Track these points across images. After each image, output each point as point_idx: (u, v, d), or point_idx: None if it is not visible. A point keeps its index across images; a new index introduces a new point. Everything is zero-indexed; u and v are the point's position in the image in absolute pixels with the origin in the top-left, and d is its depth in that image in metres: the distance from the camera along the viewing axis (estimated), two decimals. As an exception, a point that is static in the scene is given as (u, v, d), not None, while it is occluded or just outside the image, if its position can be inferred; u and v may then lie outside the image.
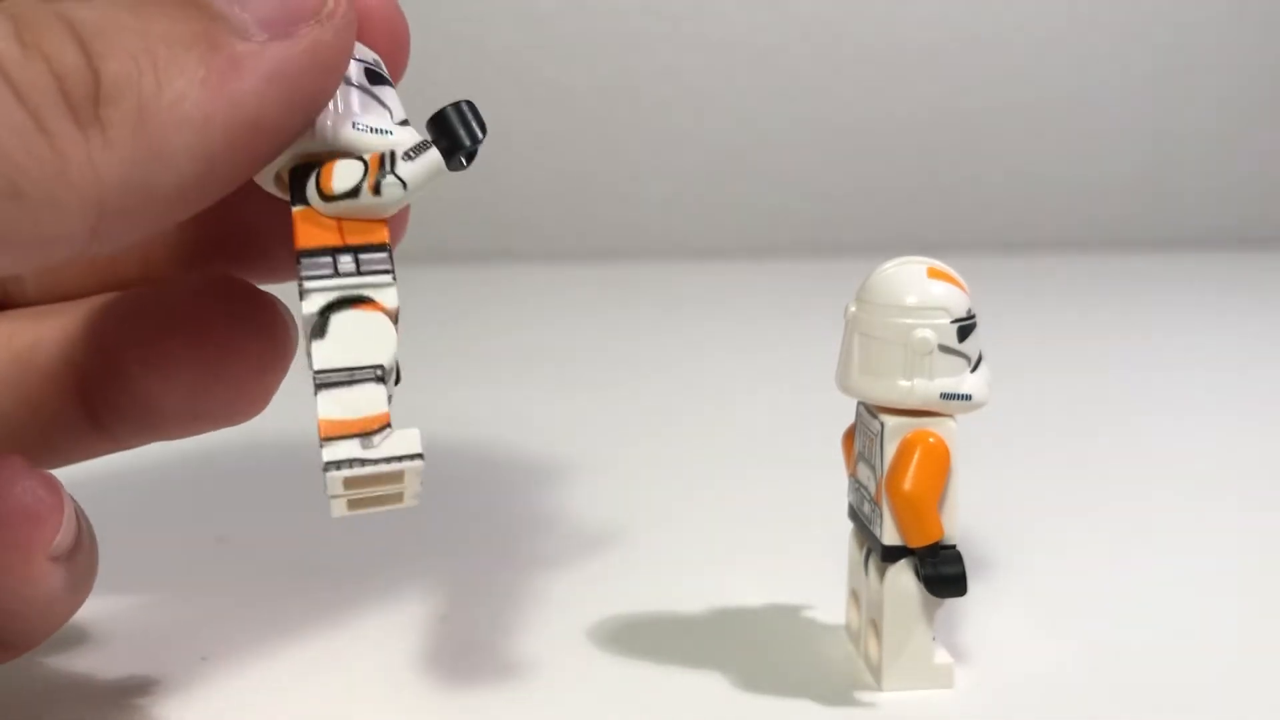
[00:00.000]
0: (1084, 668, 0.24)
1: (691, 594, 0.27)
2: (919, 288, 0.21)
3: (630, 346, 0.59)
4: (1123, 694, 0.23)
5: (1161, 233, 0.90)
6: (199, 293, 0.22)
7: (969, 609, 0.26)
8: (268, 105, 0.17)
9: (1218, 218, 0.91)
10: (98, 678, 0.24)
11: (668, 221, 0.88)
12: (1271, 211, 0.92)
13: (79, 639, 0.25)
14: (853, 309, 0.22)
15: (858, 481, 0.23)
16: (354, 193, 0.18)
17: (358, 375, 0.17)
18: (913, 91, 0.89)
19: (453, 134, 0.19)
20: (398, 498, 0.18)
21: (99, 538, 0.21)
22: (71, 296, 0.23)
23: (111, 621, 0.26)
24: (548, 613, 0.26)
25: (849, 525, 0.24)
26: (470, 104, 0.19)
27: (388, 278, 0.18)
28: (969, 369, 0.22)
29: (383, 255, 0.18)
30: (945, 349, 0.21)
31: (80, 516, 0.20)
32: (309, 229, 0.18)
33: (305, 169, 0.18)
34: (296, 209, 0.18)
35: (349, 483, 0.17)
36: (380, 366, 0.18)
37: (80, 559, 0.20)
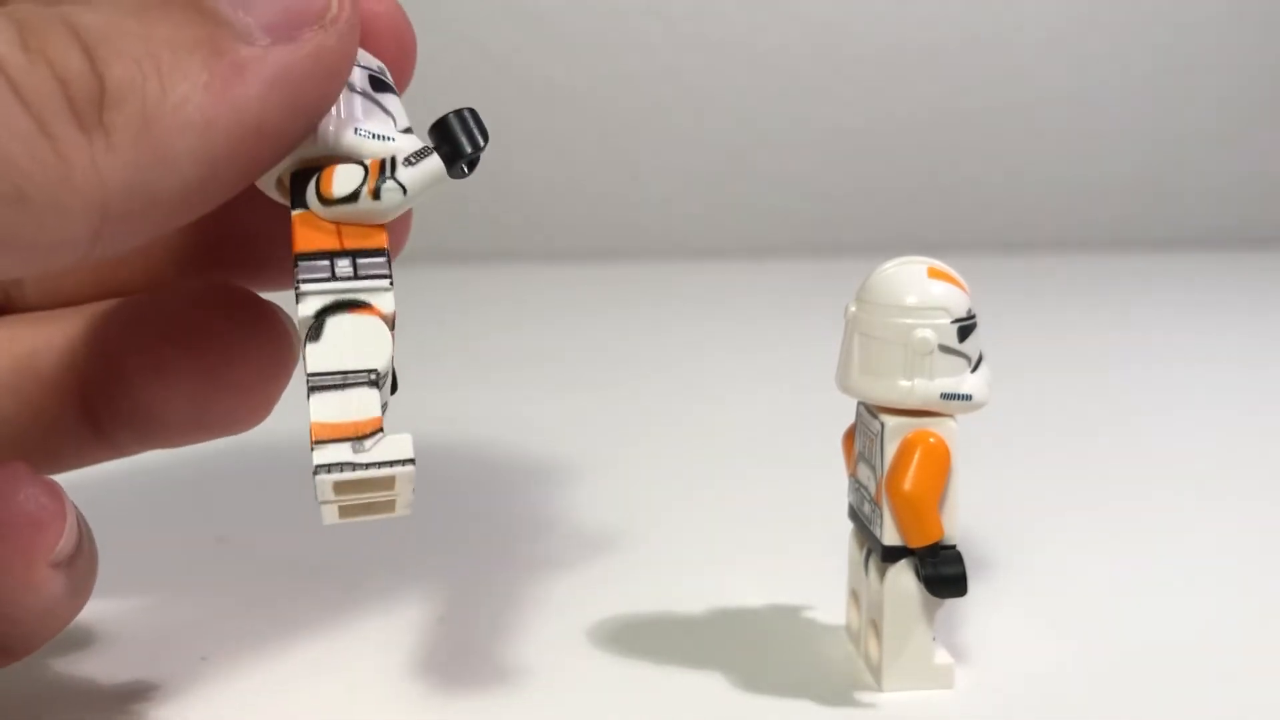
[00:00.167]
0: (1084, 668, 0.24)
1: (691, 594, 0.27)
2: (919, 288, 0.21)
3: (630, 346, 0.59)
4: (1123, 694, 0.23)
5: (1161, 233, 0.90)
6: (201, 300, 0.22)
7: (969, 609, 0.26)
8: (270, 110, 0.17)
9: (1218, 218, 0.91)
10: (97, 678, 0.24)
11: (668, 221, 0.88)
12: (1271, 211, 0.92)
13: (79, 640, 0.25)
14: (853, 309, 0.22)
15: (858, 482, 0.23)
16: (353, 197, 0.18)
17: (351, 379, 0.17)
18: (913, 91, 0.89)
19: (454, 141, 0.18)
20: (389, 506, 0.18)
21: (99, 538, 0.21)
22: (72, 302, 0.23)
23: (111, 622, 0.26)
24: (548, 613, 0.26)
25: (849, 525, 0.24)
26: (473, 111, 0.19)
27: (385, 283, 0.18)
28: (969, 369, 0.22)
29: (381, 260, 0.18)
30: (945, 349, 0.21)
31: (80, 521, 0.20)
32: (307, 232, 0.18)
33: (306, 173, 0.18)
34: (296, 212, 0.18)
35: (339, 487, 0.17)
36: (374, 371, 0.17)
37: (80, 564, 0.20)
